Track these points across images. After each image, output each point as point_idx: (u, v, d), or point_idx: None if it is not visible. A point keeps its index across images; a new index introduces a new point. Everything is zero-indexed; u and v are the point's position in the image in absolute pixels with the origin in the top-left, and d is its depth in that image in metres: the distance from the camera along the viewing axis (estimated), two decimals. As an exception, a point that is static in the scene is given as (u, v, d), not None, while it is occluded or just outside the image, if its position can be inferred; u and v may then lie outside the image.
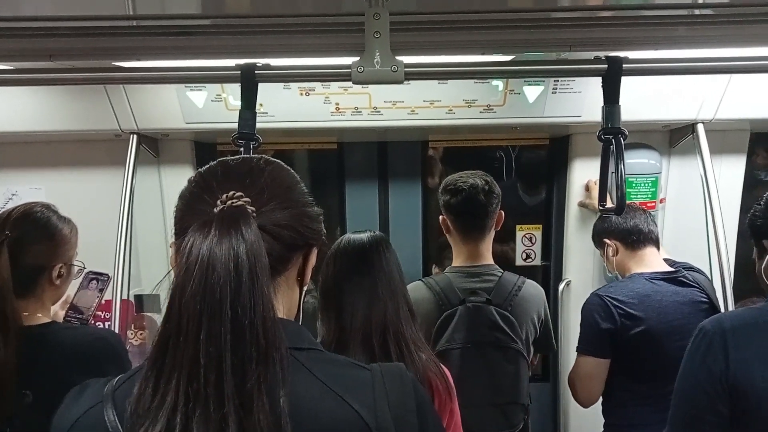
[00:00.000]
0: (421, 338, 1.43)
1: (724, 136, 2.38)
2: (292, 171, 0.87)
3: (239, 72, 1.22)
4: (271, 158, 0.87)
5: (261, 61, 1.26)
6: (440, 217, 1.92)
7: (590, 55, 1.32)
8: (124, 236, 2.13)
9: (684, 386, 1.32)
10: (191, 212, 0.78)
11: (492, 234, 1.91)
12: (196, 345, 0.67)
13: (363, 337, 1.34)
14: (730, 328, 1.25)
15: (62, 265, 1.51)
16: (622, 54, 1.30)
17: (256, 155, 0.88)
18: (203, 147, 2.46)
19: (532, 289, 1.89)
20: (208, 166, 0.85)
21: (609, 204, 1.37)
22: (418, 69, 1.21)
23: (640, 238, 2.00)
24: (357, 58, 1.16)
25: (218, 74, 1.32)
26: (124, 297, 2.27)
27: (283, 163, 0.87)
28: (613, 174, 1.31)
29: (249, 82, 1.21)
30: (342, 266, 1.42)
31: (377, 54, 1.12)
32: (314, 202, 0.86)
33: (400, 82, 1.15)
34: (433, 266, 2.58)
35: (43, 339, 1.42)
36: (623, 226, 2.01)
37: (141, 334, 2.51)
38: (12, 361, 1.29)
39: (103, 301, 1.84)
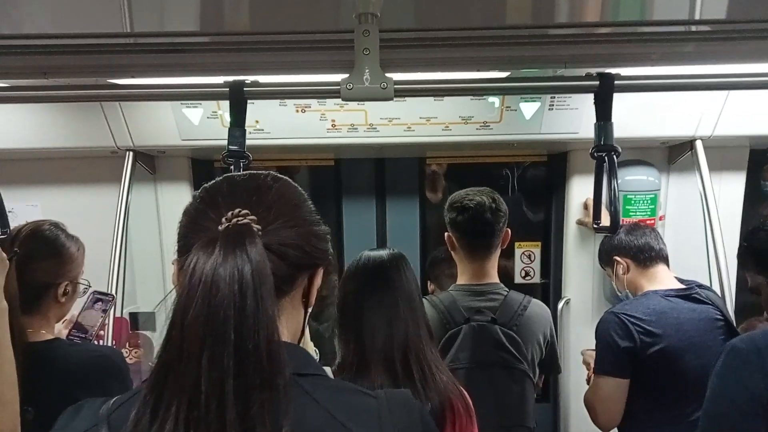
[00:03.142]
0: (440, 359, 1.40)
1: (723, 152, 2.38)
2: (300, 188, 0.85)
3: (228, 89, 1.21)
4: (279, 175, 0.84)
5: (250, 78, 1.25)
6: (446, 234, 1.90)
7: (586, 72, 1.31)
8: (119, 253, 2.12)
9: (717, 407, 1.26)
10: (195, 229, 0.76)
11: (498, 252, 1.88)
12: (197, 370, 0.64)
13: (385, 358, 1.31)
14: (765, 346, 1.20)
15: (68, 283, 1.52)
16: (619, 71, 1.29)
17: (263, 171, 0.85)
18: (200, 164, 2.46)
19: (538, 308, 1.86)
20: (214, 181, 0.82)
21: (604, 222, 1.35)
22: (407, 86, 1.20)
23: (651, 256, 1.97)
24: (347, 75, 1.15)
25: (207, 91, 1.32)
26: (118, 315, 2.25)
27: (290, 180, 0.85)
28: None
29: (238, 99, 1.20)
30: (362, 284, 1.38)
31: (366, 71, 1.11)
32: (321, 221, 0.84)
33: (390, 99, 1.15)
34: (428, 283, 2.55)
35: (47, 355, 1.43)
36: (635, 244, 1.98)
37: (136, 352, 2.49)
38: (17, 376, 1.27)
39: (106, 322, 1.83)
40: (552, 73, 1.51)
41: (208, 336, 0.65)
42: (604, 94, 1.21)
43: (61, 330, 1.69)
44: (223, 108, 2.13)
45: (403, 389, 0.87)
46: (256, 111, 2.12)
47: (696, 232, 2.29)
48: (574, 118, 2.18)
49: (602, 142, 1.21)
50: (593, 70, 1.28)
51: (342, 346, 1.38)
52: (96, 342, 1.81)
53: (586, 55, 1.30)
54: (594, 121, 1.27)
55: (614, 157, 1.20)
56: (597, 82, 1.21)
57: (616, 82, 1.20)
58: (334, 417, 0.73)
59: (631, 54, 1.28)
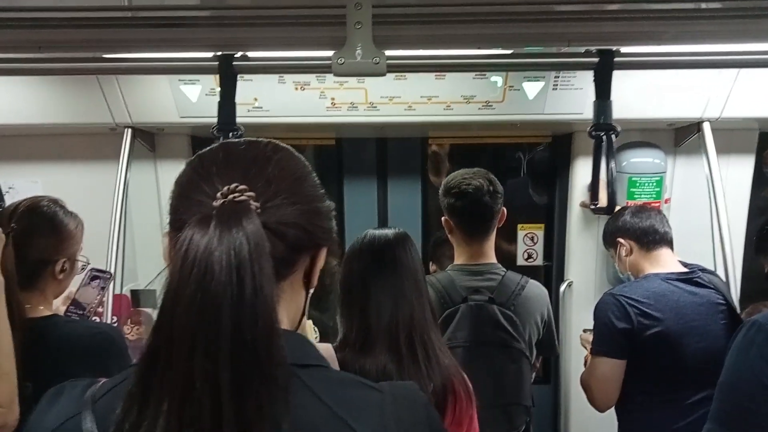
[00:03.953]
0: (443, 342, 1.39)
1: (731, 135, 2.33)
2: (303, 159, 0.77)
3: (217, 63, 1.19)
4: (280, 144, 0.77)
5: (240, 53, 1.23)
6: (442, 218, 1.88)
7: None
8: (117, 231, 2.13)
9: (736, 379, 1.25)
10: (187, 203, 0.69)
11: (495, 232, 1.87)
12: (190, 362, 0.59)
13: (389, 338, 1.29)
14: None
15: (66, 260, 1.51)
16: (625, 50, 1.25)
17: (263, 139, 0.76)
18: (200, 141, 2.45)
19: (536, 289, 1.85)
20: (209, 148, 0.75)
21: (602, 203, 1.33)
22: (400, 61, 1.18)
23: (655, 239, 1.93)
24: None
25: (197, 65, 1.30)
26: (119, 292, 2.27)
27: (293, 150, 0.77)
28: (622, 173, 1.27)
29: (227, 72, 1.18)
30: (367, 262, 1.36)
31: (359, 46, 1.09)
32: (326, 196, 0.77)
33: (383, 75, 1.12)
34: (431, 263, 2.54)
35: (46, 331, 1.43)
36: (639, 226, 1.94)
37: (137, 329, 2.51)
38: (16, 352, 1.28)
39: (104, 299, 1.84)
40: (556, 51, 1.48)
41: (201, 327, 0.59)
42: (603, 71, 1.17)
43: (59, 306, 1.70)
44: (222, 85, 2.11)
45: (409, 381, 0.82)
46: (254, 88, 2.10)
47: (702, 215, 2.25)
48: (578, 99, 2.14)
49: (601, 121, 1.18)
50: (597, 48, 1.25)
51: (344, 324, 1.37)
52: (95, 319, 1.81)
53: (591, 33, 1.26)
54: (598, 101, 1.23)
55: (612, 136, 1.17)
56: (596, 59, 1.17)
57: (615, 59, 1.16)
58: (335, 413, 0.67)
59: (638, 33, 1.24)
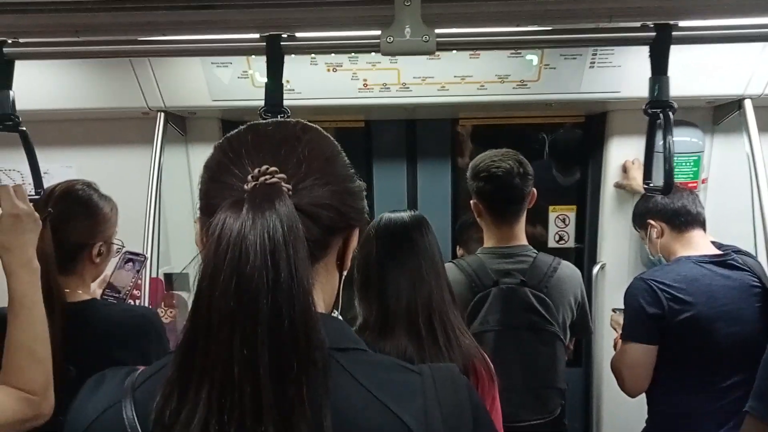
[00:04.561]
0: (463, 323, 1.40)
1: None
2: (332, 138, 0.76)
3: (264, 44, 1.18)
4: (309, 123, 0.76)
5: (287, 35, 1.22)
6: (471, 201, 1.86)
7: (632, 24, 1.24)
8: (152, 215, 2.14)
9: None
10: (218, 186, 0.69)
11: (525, 213, 1.85)
12: (228, 348, 0.59)
13: (409, 320, 1.31)
14: None
15: (102, 243, 1.52)
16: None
17: (291, 119, 0.77)
18: (231, 125, 2.43)
19: (568, 270, 1.83)
20: (237, 130, 0.74)
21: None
22: (450, 39, 1.15)
23: (687, 220, 1.90)
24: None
25: (244, 46, 1.28)
26: (153, 275, 2.28)
27: (321, 130, 0.76)
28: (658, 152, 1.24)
29: (275, 53, 1.17)
30: (384, 245, 1.38)
31: (407, 24, 1.07)
32: (356, 176, 0.76)
33: (432, 53, 1.10)
34: (458, 247, 2.52)
35: (86, 315, 1.45)
36: (670, 207, 1.91)
37: (171, 312, 2.53)
38: (57, 336, 1.29)
39: (139, 281, 1.86)
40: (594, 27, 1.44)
41: (238, 312, 0.59)
42: (660, 46, 1.14)
43: (95, 290, 1.72)
44: (254, 68, 2.09)
45: (448, 363, 0.81)
46: (286, 70, 2.07)
47: (741, 196, 2.21)
48: (615, 77, 2.09)
49: (657, 98, 1.15)
50: (655, 23, 1.21)
51: (364, 307, 1.38)
52: (131, 302, 1.83)
53: (632, 8, 1.22)
54: (636, 79, 1.20)
55: (669, 114, 1.14)
56: (653, 33, 1.13)
57: (674, 33, 1.13)
58: (376, 397, 0.66)
59: (683, 6, 1.20)
